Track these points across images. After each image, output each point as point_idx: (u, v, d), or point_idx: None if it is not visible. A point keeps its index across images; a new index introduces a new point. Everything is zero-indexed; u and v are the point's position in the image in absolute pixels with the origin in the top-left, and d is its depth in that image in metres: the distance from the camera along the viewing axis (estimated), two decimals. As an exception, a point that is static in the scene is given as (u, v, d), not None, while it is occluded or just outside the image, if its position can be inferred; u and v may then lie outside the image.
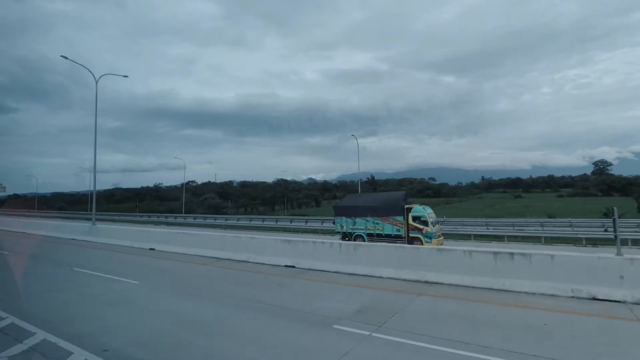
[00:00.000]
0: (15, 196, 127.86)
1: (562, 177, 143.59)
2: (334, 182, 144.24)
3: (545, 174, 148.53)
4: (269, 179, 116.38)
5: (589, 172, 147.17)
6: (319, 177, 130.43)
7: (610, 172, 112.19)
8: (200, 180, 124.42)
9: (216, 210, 68.77)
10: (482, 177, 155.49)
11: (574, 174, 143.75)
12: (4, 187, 57.25)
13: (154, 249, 14.80)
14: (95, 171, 20.02)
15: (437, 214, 44.86)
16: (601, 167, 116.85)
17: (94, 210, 21.43)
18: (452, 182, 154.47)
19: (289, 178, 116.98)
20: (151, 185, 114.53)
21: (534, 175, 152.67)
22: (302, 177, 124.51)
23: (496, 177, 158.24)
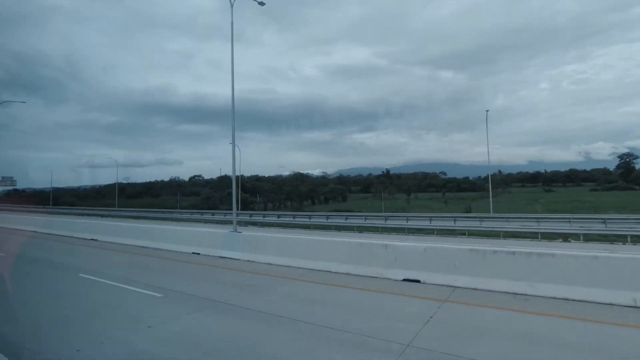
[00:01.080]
0: (15, 191, 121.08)
1: (575, 171, 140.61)
2: (349, 176, 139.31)
3: (541, 169, 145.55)
4: (269, 173, 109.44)
5: (584, 167, 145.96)
6: (316, 172, 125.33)
7: (637, 164, 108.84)
8: (206, 175, 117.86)
9: (244, 205, 63.61)
10: (499, 170, 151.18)
11: (566, 169, 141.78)
12: (15, 181, 51.92)
13: (418, 281, 7.91)
14: (234, 153, 13.82)
15: (492, 210, 39.25)
16: (627, 160, 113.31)
17: (234, 209, 13.74)
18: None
19: (285, 173, 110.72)
20: (153, 179, 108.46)
21: (531, 170, 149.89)
22: (298, 172, 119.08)
23: (493, 172, 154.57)
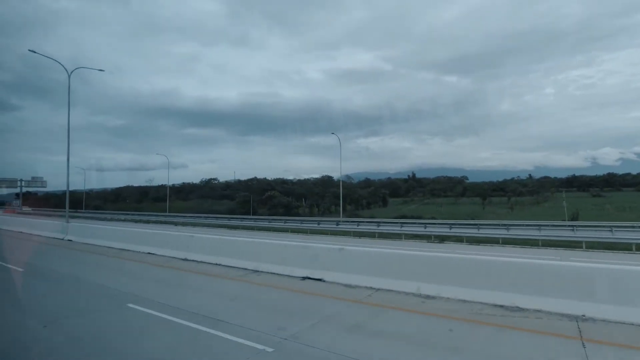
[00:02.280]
0: (28, 194, 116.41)
1: (613, 175, 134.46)
2: (376, 180, 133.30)
3: (547, 175, 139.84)
4: (276, 177, 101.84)
5: (590, 172, 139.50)
6: (316, 175, 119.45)
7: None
8: (221, 178, 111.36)
9: (287, 210, 57.97)
10: (530, 175, 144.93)
11: (575, 174, 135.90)
12: (45, 181, 46.73)
13: None
14: None
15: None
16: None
17: None
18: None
19: (290, 177, 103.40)
20: (160, 182, 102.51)
21: (536, 176, 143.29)
22: (303, 176, 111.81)
23: (500, 178, 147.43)
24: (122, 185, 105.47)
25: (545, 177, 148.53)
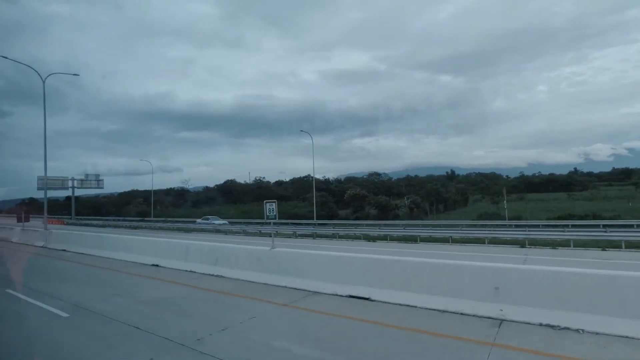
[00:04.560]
0: (32, 200, 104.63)
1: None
2: (415, 176, 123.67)
3: (542, 171, 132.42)
4: (272, 179, 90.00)
5: (584, 168, 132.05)
6: (315, 177, 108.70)
7: None
8: (214, 182, 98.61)
9: (383, 211, 47.86)
10: (575, 169, 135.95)
11: (566, 171, 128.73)
12: (102, 180, 36.04)
13: None
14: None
15: None
16: None
17: None
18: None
19: (286, 179, 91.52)
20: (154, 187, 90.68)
21: (529, 173, 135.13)
22: (375, 171, 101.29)
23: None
24: (126, 189, 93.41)
25: (612, 171, 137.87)
